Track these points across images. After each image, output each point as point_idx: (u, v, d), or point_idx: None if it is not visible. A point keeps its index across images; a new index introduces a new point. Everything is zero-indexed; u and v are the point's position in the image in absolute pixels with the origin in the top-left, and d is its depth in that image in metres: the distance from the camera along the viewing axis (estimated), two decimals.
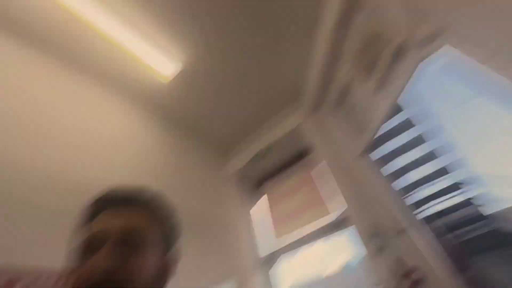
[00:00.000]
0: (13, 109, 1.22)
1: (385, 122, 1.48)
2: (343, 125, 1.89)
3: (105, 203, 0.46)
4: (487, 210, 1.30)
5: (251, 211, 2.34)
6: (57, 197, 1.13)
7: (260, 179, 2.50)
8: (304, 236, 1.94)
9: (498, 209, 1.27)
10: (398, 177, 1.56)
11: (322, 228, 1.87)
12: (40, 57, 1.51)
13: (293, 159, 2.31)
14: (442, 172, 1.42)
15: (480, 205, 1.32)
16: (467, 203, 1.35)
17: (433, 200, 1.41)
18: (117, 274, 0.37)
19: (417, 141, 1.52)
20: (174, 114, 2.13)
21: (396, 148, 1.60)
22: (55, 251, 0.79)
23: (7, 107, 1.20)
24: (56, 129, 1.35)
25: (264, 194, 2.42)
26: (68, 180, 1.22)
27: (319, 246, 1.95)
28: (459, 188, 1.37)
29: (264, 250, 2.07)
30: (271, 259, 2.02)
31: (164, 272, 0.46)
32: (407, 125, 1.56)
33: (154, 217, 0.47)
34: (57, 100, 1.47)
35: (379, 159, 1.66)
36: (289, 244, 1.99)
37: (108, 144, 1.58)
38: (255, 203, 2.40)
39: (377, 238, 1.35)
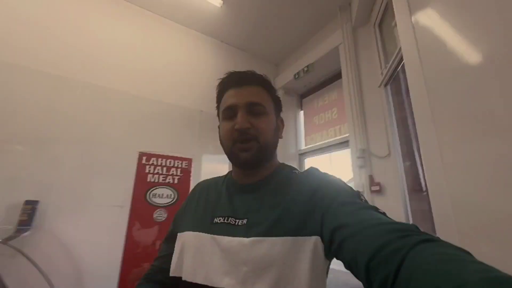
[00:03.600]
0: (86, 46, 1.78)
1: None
2: (373, 52, 1.76)
3: (228, 83, 0.60)
4: None
5: (291, 120, 2.79)
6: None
7: (301, 94, 2.82)
8: (322, 147, 2.36)
9: None
10: None
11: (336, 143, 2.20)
12: None
13: (330, 79, 2.45)
14: None
15: None
16: None
17: None
18: (250, 130, 0.54)
19: None
20: (228, 35, 2.42)
21: None
22: None
23: (83, 44, 1.77)
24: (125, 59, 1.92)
25: (302, 108, 2.80)
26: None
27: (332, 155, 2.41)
28: None
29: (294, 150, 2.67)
30: (299, 157, 2.66)
31: (278, 129, 0.63)
32: None
33: (268, 91, 0.61)
34: (123, 34, 1.96)
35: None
36: (310, 151, 2.53)
37: (168, 67, 2.11)
38: (295, 114, 2.79)
39: (361, 159, 1.67)
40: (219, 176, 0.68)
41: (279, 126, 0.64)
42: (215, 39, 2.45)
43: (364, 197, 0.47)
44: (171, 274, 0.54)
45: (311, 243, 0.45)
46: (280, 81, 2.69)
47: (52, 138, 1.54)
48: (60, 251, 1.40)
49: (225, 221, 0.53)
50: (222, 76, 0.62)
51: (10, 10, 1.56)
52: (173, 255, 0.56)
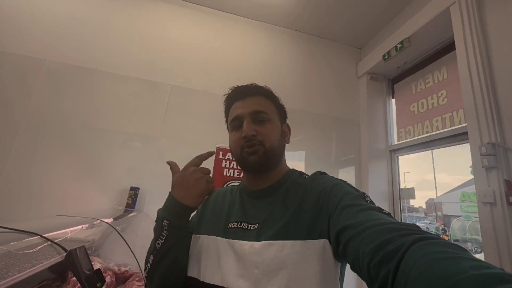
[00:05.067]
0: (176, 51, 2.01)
1: None
2: (509, 3, 1.26)
3: (233, 97, 0.65)
4: None
5: (379, 109, 2.32)
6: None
7: (393, 78, 2.31)
8: (423, 141, 1.86)
9: None
10: None
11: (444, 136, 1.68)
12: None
13: (435, 55, 1.90)
14: None
15: None
16: None
17: None
18: (256, 137, 0.58)
19: None
20: (301, 22, 2.25)
21: None
22: None
23: (168, 51, 1.98)
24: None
25: (394, 95, 2.29)
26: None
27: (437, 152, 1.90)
28: None
29: (383, 145, 2.22)
30: (390, 154, 2.17)
31: (284, 134, 0.66)
32: None
33: (270, 100, 0.65)
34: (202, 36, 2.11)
35: None
36: (406, 146, 2.03)
37: (243, 64, 2.14)
38: (384, 103, 2.33)
39: (490, 157, 1.18)
40: (234, 185, 0.73)
41: (285, 132, 0.67)
42: (288, 29, 2.33)
43: (369, 198, 0.48)
44: (188, 274, 0.57)
45: (319, 246, 0.47)
46: (364, 66, 2.31)
47: (156, 136, 1.80)
48: None
49: (239, 226, 0.56)
50: (228, 91, 0.67)
51: (118, 35, 1.92)
52: (191, 256, 0.59)
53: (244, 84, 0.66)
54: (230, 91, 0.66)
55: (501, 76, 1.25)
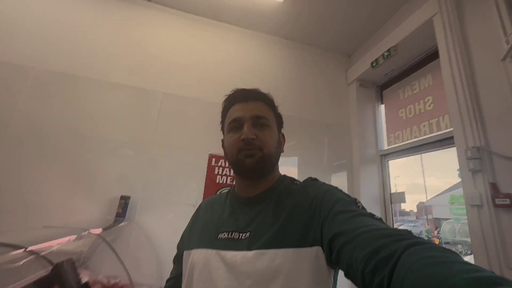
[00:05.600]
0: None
1: None
2: (489, 14, 1.31)
3: (234, 99, 0.64)
4: None
5: (369, 115, 2.37)
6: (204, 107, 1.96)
7: (381, 85, 2.37)
8: (411, 146, 1.92)
9: None
10: None
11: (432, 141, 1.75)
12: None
13: (420, 62, 1.96)
14: None
15: None
16: None
17: None
18: (255, 141, 0.57)
19: None
20: (292, 30, 2.30)
21: None
22: None
23: (161, 59, 1.99)
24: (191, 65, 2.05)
25: (383, 101, 2.35)
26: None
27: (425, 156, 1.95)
28: None
29: (374, 150, 2.26)
30: (381, 159, 2.21)
31: (280, 142, 0.66)
32: None
33: (270, 108, 0.65)
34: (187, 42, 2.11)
35: None
36: (395, 151, 2.08)
37: (234, 72, 2.15)
38: (373, 109, 2.38)
39: (475, 161, 1.22)
40: (223, 193, 0.70)
41: (281, 140, 0.67)
42: (279, 37, 2.37)
43: (361, 204, 0.47)
44: None
45: (312, 254, 0.46)
46: (354, 73, 2.36)
47: (147, 143, 1.77)
48: (146, 242, 1.58)
49: (229, 236, 0.55)
50: (229, 93, 0.66)
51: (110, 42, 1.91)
52: (183, 273, 0.58)
53: (247, 88, 0.65)
54: (232, 92, 0.65)
55: (482, 83, 1.30)
